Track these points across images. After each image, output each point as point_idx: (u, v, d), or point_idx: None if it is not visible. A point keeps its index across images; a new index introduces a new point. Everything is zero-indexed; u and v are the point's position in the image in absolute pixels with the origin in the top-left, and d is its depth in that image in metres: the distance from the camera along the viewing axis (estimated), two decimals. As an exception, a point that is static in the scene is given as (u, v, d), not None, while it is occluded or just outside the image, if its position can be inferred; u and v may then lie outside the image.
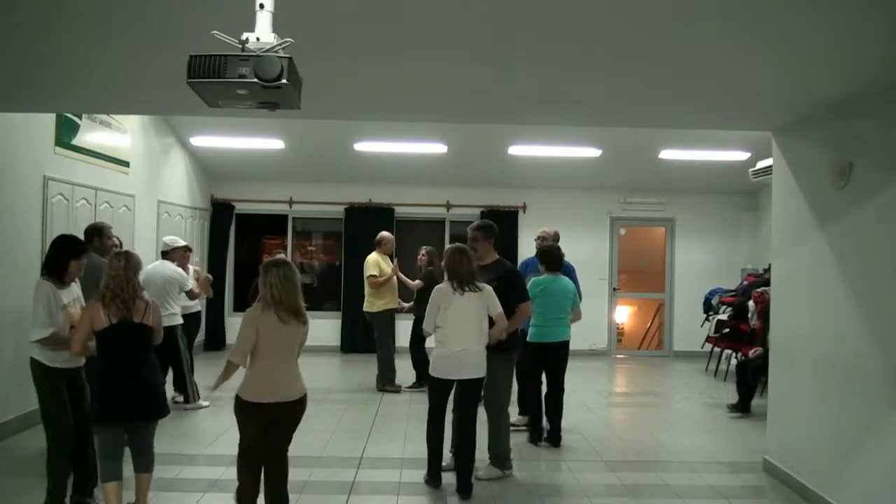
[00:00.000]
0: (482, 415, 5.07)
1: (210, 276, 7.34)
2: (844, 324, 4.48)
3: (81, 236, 5.29)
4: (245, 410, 3.81)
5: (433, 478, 4.90)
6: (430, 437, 4.89)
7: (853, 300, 4.44)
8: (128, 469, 4.04)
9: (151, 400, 3.97)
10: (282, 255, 8.06)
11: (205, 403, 7.00)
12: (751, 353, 7.61)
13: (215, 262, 10.86)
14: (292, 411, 3.88)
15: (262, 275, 3.88)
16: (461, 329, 4.68)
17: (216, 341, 10.75)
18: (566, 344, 6.07)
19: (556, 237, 6.75)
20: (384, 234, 8.40)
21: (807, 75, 4.00)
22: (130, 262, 3.97)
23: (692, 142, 9.14)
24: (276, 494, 3.91)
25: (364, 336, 10.09)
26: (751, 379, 7.34)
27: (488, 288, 4.77)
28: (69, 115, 6.68)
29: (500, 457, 5.15)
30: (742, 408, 7.29)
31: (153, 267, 6.82)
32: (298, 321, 3.85)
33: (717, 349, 9.61)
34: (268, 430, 3.84)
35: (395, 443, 5.98)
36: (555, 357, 6.03)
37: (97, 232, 5.38)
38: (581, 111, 5.35)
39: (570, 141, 9.30)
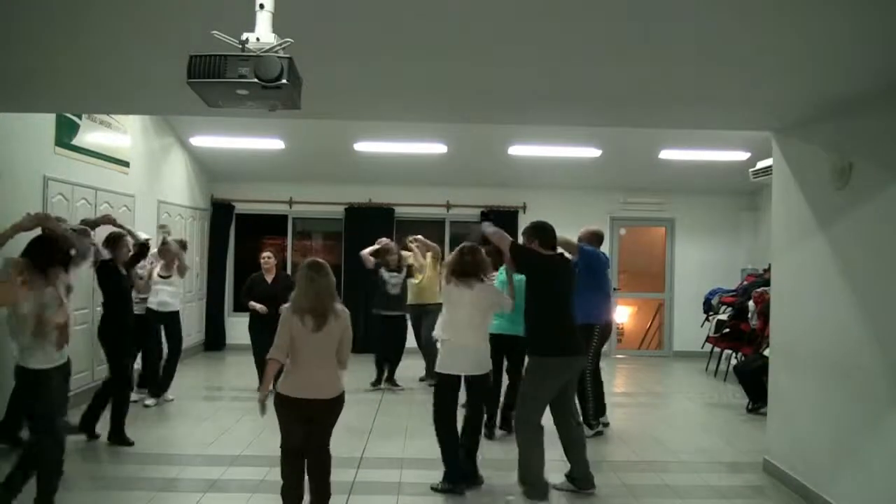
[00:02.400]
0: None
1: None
2: (844, 324, 4.48)
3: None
4: (282, 404, 3.93)
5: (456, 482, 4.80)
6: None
7: (853, 300, 4.44)
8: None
9: None
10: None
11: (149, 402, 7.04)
12: (766, 352, 7.60)
13: (215, 263, 10.86)
14: (327, 409, 3.97)
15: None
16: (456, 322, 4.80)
17: (216, 342, 10.75)
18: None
19: (596, 237, 6.62)
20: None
21: (807, 75, 3.99)
22: None
23: (692, 142, 9.14)
24: (317, 490, 4.03)
25: (365, 336, 10.09)
26: (753, 378, 7.37)
27: (485, 286, 4.84)
28: (69, 115, 6.68)
29: (526, 483, 4.69)
30: (757, 406, 7.27)
31: None
32: (324, 324, 3.89)
33: (717, 349, 9.61)
34: (305, 427, 3.94)
35: (395, 443, 5.98)
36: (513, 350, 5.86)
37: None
38: (581, 111, 5.35)
39: (570, 141, 9.30)
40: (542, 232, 4.85)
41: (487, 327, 4.93)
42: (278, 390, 3.96)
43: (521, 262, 4.84)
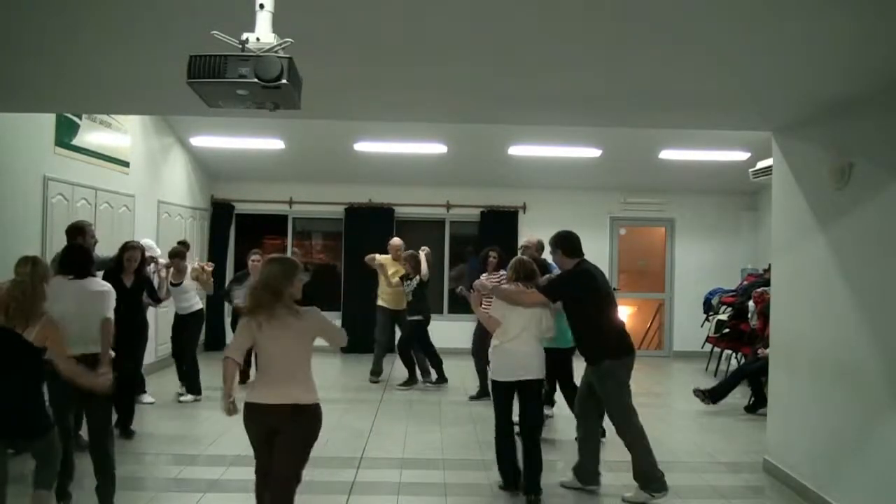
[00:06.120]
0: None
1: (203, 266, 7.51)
2: (844, 324, 4.48)
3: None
4: (247, 414, 3.47)
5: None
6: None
7: (853, 300, 4.44)
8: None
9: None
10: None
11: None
12: (760, 352, 7.60)
13: (215, 263, 10.83)
14: (293, 419, 3.39)
15: None
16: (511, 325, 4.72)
17: (216, 341, 10.74)
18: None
19: (540, 247, 6.66)
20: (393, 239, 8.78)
21: (807, 75, 4.00)
22: (37, 269, 3.62)
23: (692, 142, 9.14)
24: None
25: (364, 335, 10.08)
26: (753, 378, 7.37)
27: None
28: (69, 115, 6.68)
29: (642, 478, 4.78)
30: (757, 406, 7.27)
31: None
32: (277, 320, 3.41)
33: (717, 349, 9.61)
34: (270, 443, 3.46)
35: (395, 443, 5.98)
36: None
37: (79, 231, 5.44)
38: (580, 111, 5.35)
39: (570, 141, 9.30)
40: (564, 241, 4.88)
41: None
42: (245, 399, 3.47)
43: (552, 295, 4.78)
